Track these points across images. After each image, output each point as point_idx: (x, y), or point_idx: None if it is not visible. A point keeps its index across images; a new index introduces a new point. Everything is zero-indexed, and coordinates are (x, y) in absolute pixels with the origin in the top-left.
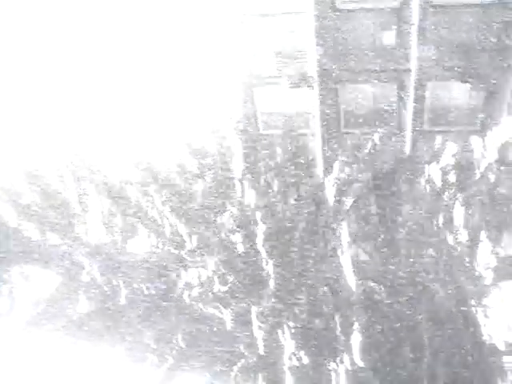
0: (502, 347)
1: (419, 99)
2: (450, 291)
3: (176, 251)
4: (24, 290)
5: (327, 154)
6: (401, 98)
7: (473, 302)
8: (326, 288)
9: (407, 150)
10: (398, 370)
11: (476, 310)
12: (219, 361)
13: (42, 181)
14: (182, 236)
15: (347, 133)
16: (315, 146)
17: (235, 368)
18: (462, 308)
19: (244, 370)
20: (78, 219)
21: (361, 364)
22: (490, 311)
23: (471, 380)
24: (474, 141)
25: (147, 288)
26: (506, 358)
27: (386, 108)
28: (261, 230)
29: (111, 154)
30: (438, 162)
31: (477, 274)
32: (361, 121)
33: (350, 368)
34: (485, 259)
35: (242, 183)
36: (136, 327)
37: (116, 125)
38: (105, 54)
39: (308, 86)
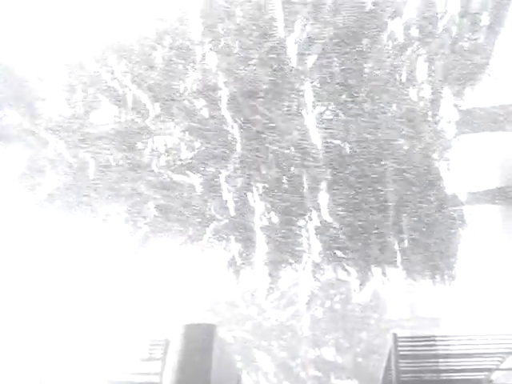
0: (463, 198)
1: None
2: (413, 146)
3: (140, 120)
4: None
5: (287, 13)
6: None
7: (435, 156)
8: (292, 148)
9: (369, 4)
10: (365, 224)
11: (439, 164)
12: (192, 225)
13: None
14: (144, 104)
15: None
16: (275, 4)
17: (207, 231)
18: (424, 161)
19: (216, 233)
20: (37, 94)
21: (329, 220)
22: (452, 164)
23: (435, 230)
24: None
25: (114, 159)
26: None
27: None
28: (224, 93)
29: (67, 26)
30: (400, 17)
31: (439, 128)
32: None
33: (318, 224)
34: (447, 113)
35: (202, 47)
36: (107, 198)
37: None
38: None
39: None
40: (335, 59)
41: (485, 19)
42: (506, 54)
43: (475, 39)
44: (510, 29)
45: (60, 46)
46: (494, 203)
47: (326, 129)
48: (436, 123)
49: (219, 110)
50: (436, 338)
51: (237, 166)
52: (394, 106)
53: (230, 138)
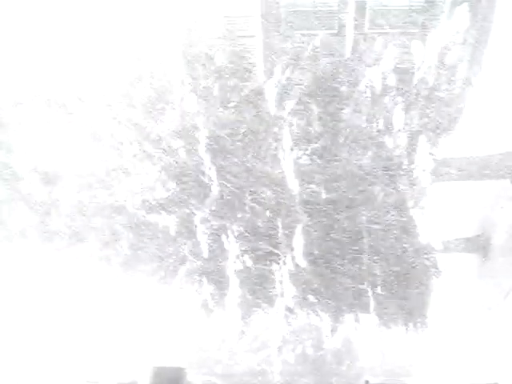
0: (437, 246)
1: (360, 0)
2: (388, 193)
3: (117, 159)
4: None
5: (268, 57)
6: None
7: (410, 204)
8: (268, 191)
9: (348, 52)
10: (338, 269)
11: (413, 211)
12: (164, 265)
13: None
14: (122, 143)
15: (288, 35)
16: (256, 48)
17: (180, 272)
18: (399, 209)
19: (189, 274)
20: (15, 129)
21: (303, 265)
22: (427, 212)
23: (408, 278)
24: (415, 44)
25: (89, 196)
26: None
27: (326, 9)
28: (202, 135)
29: (49, 60)
30: (378, 65)
31: (414, 176)
32: (302, 23)
33: (292, 269)
34: (422, 161)
35: (181, 88)
36: (80, 236)
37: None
38: None
39: None
40: (313, 105)
41: (461, 71)
42: (480, 105)
43: (451, 90)
44: (484, 80)
45: (41, 81)
46: (468, 252)
47: (302, 173)
48: (411, 171)
49: (197, 151)
50: None
51: (212, 208)
52: (370, 153)
53: (206, 179)
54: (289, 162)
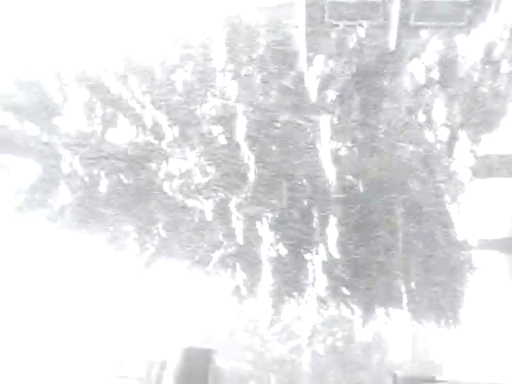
0: (473, 243)
1: None
2: (426, 187)
3: (156, 142)
4: (4, 180)
5: (311, 47)
6: None
7: (448, 199)
8: (304, 180)
9: (392, 44)
10: (373, 262)
11: (450, 207)
12: (199, 249)
13: (19, 71)
14: (162, 127)
15: (332, 25)
16: (299, 37)
17: (214, 257)
18: (436, 204)
19: (223, 260)
20: (57, 109)
21: (336, 256)
22: (464, 208)
23: (442, 273)
24: (460, 38)
25: (128, 178)
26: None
27: (372, 0)
28: (242, 121)
29: (92, 43)
30: (421, 59)
31: (453, 171)
32: (346, 13)
33: (325, 259)
34: (462, 157)
35: (223, 74)
36: (117, 217)
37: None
38: None
39: None
40: (355, 96)
41: (505, 67)
42: None
43: (496, 86)
44: None
45: (83, 64)
46: (504, 251)
47: (339, 164)
48: (451, 167)
49: (236, 137)
50: (436, 380)
51: (249, 194)
52: (410, 147)
53: (244, 166)
54: (327, 152)
